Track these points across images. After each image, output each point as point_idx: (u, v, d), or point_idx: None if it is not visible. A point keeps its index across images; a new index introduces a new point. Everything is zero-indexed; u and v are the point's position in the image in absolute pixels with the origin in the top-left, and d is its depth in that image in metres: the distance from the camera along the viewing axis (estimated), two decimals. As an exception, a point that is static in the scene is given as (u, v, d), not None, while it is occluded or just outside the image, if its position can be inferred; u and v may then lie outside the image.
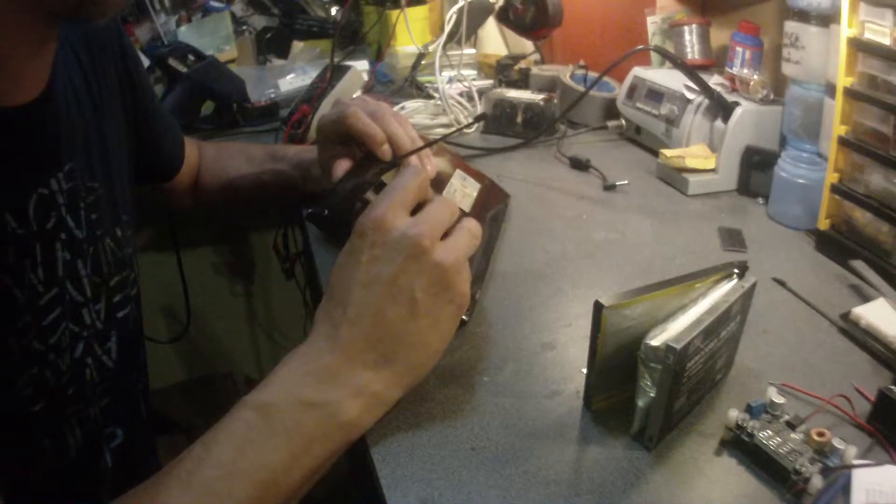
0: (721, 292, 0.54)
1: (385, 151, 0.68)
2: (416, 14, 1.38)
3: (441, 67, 1.14)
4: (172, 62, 1.09)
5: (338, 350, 0.46)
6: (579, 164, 1.03)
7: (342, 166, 0.70)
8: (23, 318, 0.52)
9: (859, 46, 0.72)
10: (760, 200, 0.94)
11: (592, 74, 1.21)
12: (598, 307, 0.49)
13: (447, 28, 1.22)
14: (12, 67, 0.48)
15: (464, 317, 0.64)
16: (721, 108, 0.96)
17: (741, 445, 0.50)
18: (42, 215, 0.53)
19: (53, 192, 0.54)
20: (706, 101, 0.98)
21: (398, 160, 0.67)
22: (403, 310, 0.47)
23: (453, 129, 1.11)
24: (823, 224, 0.80)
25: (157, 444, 0.76)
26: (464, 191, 0.74)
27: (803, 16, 0.82)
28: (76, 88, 0.60)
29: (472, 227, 0.51)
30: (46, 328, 0.54)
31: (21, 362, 0.52)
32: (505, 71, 1.31)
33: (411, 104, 1.19)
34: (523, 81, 1.29)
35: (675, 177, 0.98)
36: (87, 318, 0.58)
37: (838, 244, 0.78)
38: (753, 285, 0.55)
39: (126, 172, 0.69)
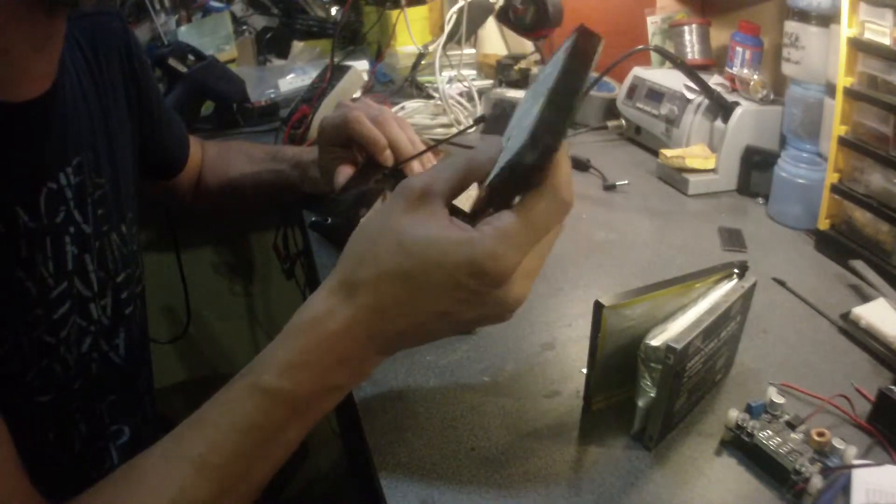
0: (721, 292, 0.54)
1: (387, 157, 0.68)
2: (416, 14, 1.38)
3: (441, 67, 1.14)
4: (172, 62, 1.09)
5: (373, 343, 0.43)
6: (579, 164, 1.03)
7: (344, 173, 0.70)
8: (34, 311, 0.52)
9: (859, 46, 0.72)
10: (760, 200, 0.94)
11: (593, 74, 1.21)
12: (598, 307, 0.49)
13: (447, 28, 1.22)
14: (17, 61, 0.49)
15: None
16: (721, 108, 0.96)
17: (741, 445, 0.50)
18: (51, 209, 0.54)
19: (62, 186, 0.55)
20: (706, 101, 0.98)
21: (400, 165, 0.67)
22: (449, 331, 0.44)
23: (454, 130, 1.11)
24: (823, 224, 0.80)
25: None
26: (468, 192, 0.74)
27: (803, 16, 0.82)
28: (83, 86, 0.61)
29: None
30: (57, 321, 0.54)
31: (32, 355, 0.52)
32: (505, 71, 1.31)
33: (411, 104, 1.19)
34: (523, 81, 1.29)
35: (675, 177, 0.98)
36: (94, 313, 0.59)
37: (838, 244, 0.78)
38: (753, 285, 0.55)
39: (131, 170, 0.70)
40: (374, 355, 0.44)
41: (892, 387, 0.51)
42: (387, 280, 0.40)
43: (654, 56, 1.19)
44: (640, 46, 1.03)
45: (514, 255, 0.39)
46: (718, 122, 0.97)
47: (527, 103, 0.42)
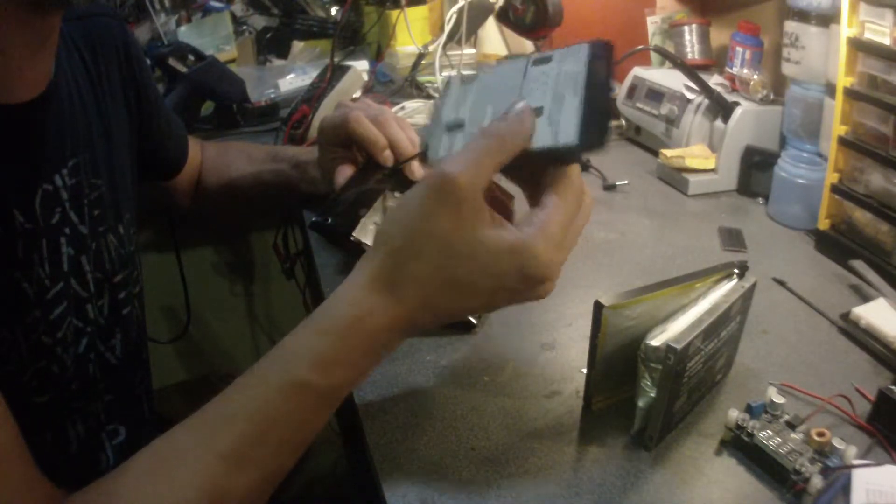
0: (721, 292, 0.54)
1: (387, 157, 0.68)
2: (416, 14, 1.38)
3: (441, 67, 1.14)
4: (172, 62, 1.09)
5: (408, 334, 0.44)
6: (579, 165, 1.03)
7: (344, 173, 0.70)
8: (32, 312, 0.53)
9: (859, 46, 0.72)
10: (760, 200, 0.94)
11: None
12: (598, 307, 0.49)
13: (447, 28, 1.22)
14: (12, 62, 0.49)
15: (473, 320, 0.64)
16: (721, 108, 0.96)
17: (741, 445, 0.50)
18: (47, 211, 0.54)
19: (58, 188, 0.55)
20: (706, 101, 0.98)
21: (400, 165, 0.67)
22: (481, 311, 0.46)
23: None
24: (823, 224, 0.80)
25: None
26: None
27: (803, 16, 0.82)
28: (80, 87, 0.61)
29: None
30: (53, 322, 0.54)
31: (29, 355, 0.53)
32: (505, 71, 1.31)
33: (411, 104, 1.19)
34: (523, 81, 1.29)
35: (675, 177, 0.98)
36: (90, 314, 0.59)
37: (838, 244, 0.78)
38: (753, 285, 0.55)
39: (129, 171, 0.69)
40: (404, 339, 0.45)
41: (892, 387, 0.51)
42: (434, 282, 0.41)
43: (654, 56, 1.19)
44: (640, 46, 1.04)
45: (560, 256, 0.41)
46: (718, 122, 0.97)
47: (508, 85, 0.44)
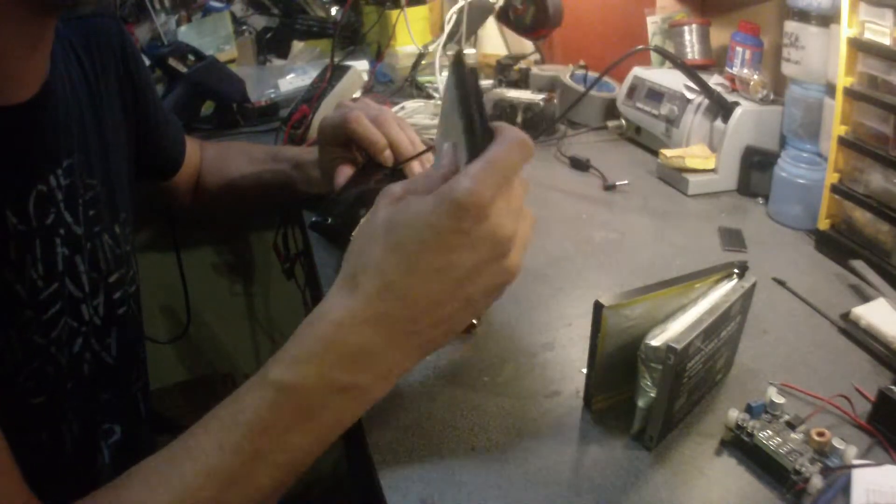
0: (721, 292, 0.54)
1: (387, 157, 0.68)
2: (416, 14, 1.38)
3: (441, 67, 1.14)
4: (172, 62, 1.09)
5: (382, 331, 0.42)
6: (579, 164, 1.03)
7: (344, 173, 0.71)
8: (24, 313, 0.52)
9: (859, 46, 0.72)
10: (760, 200, 0.94)
11: (592, 74, 1.21)
12: (598, 307, 0.49)
13: (447, 28, 1.22)
14: (7, 63, 0.48)
15: (473, 320, 0.64)
16: (721, 108, 0.96)
17: (741, 445, 0.50)
18: (41, 211, 0.53)
19: (52, 188, 0.55)
20: (706, 101, 0.98)
21: (400, 165, 0.67)
22: (459, 305, 0.43)
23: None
24: (823, 224, 0.80)
25: (157, 444, 0.77)
26: None
27: (803, 16, 0.81)
28: (75, 86, 0.61)
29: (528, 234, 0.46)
30: (47, 322, 0.54)
31: (23, 356, 0.52)
32: (505, 71, 1.31)
33: (411, 104, 1.19)
34: (523, 81, 1.29)
35: (675, 177, 0.98)
36: (85, 314, 0.59)
37: (838, 244, 0.78)
38: (753, 285, 0.55)
39: (125, 171, 0.69)
40: (387, 349, 0.42)
41: (892, 387, 0.51)
42: (385, 258, 0.41)
43: (654, 56, 1.19)
44: (640, 46, 1.03)
45: (486, 187, 0.39)
46: (718, 122, 0.97)
47: (449, 115, 0.46)
